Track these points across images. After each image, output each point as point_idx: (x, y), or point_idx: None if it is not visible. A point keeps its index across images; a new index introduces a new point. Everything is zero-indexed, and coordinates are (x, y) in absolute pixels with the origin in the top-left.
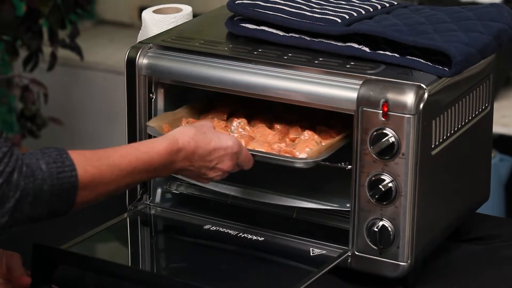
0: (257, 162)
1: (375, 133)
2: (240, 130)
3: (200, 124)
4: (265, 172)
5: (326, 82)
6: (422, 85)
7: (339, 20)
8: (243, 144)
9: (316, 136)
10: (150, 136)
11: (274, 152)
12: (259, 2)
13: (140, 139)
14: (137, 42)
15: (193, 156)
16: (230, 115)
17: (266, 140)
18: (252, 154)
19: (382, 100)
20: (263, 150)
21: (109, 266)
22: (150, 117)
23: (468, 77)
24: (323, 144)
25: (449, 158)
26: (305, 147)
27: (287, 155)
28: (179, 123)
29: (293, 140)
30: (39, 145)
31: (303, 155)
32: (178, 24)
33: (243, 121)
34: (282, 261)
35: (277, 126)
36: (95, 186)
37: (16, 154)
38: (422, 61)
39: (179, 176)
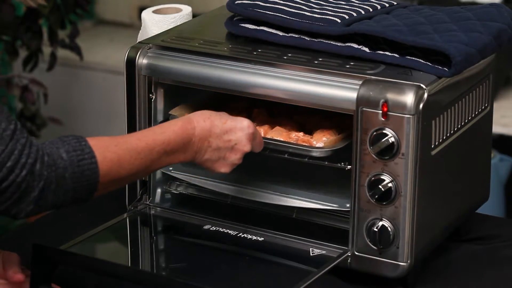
0: (262, 156)
1: (374, 133)
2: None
3: (216, 112)
4: (265, 172)
5: (326, 82)
6: (422, 85)
7: (339, 20)
8: (263, 133)
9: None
10: None
11: (291, 141)
12: (259, 2)
13: None
14: (137, 42)
15: (209, 135)
16: (251, 105)
17: (284, 130)
18: (270, 142)
19: (382, 100)
20: (281, 139)
21: (109, 266)
22: (149, 117)
23: (468, 77)
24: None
25: (449, 158)
26: (322, 136)
27: (304, 144)
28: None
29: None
30: None
31: (320, 144)
32: (178, 24)
33: (263, 111)
34: (281, 261)
35: (297, 118)
36: (115, 171)
37: (36, 144)
38: (422, 61)
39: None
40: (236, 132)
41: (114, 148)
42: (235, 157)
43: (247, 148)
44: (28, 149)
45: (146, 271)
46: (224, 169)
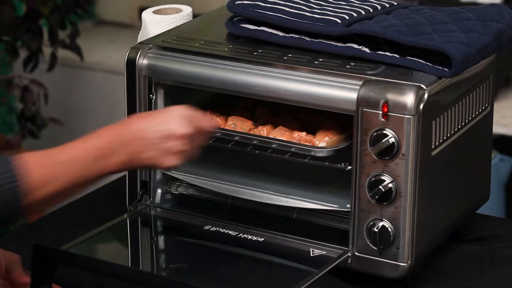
0: (263, 156)
1: (375, 133)
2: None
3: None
4: (266, 172)
5: (326, 82)
6: (422, 85)
7: (339, 21)
8: (265, 132)
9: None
10: None
11: (294, 141)
12: (259, 3)
13: None
14: (137, 42)
15: (142, 131)
16: (255, 105)
17: (287, 130)
18: (271, 141)
19: (382, 101)
20: (284, 139)
21: (109, 267)
22: None
23: (468, 78)
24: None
25: (449, 159)
26: (325, 136)
27: (306, 143)
28: (204, 113)
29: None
30: (39, 145)
31: (322, 144)
32: (178, 24)
33: (266, 111)
34: (282, 262)
35: (300, 117)
36: (47, 186)
37: None
38: (422, 61)
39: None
40: (168, 119)
41: (43, 163)
42: (175, 144)
43: (183, 130)
44: None
45: (146, 271)
46: (170, 161)
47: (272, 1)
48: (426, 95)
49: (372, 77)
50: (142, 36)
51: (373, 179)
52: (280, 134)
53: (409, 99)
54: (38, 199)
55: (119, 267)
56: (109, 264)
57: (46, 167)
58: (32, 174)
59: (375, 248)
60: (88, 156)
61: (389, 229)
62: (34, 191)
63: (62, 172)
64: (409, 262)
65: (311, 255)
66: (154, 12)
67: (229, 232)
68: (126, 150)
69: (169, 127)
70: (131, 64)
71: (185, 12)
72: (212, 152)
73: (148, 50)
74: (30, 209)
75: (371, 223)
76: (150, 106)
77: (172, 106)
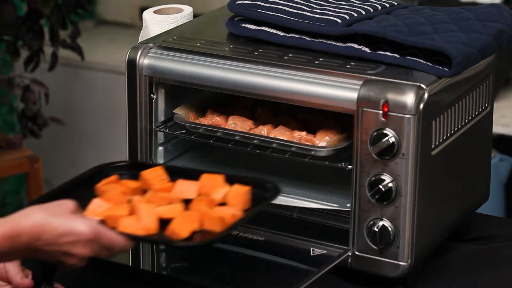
0: (264, 156)
1: (375, 133)
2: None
3: (55, 204)
4: (266, 172)
5: (327, 82)
6: (422, 85)
7: (340, 21)
8: (266, 132)
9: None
10: (151, 135)
11: (294, 140)
12: (260, 3)
13: (141, 139)
14: (138, 42)
15: (38, 241)
16: (255, 104)
17: (288, 129)
18: (272, 140)
19: (382, 101)
20: (284, 138)
21: (109, 266)
22: (150, 118)
23: (468, 78)
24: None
25: (449, 158)
26: (325, 135)
27: (307, 143)
28: (205, 112)
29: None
30: (40, 145)
31: (322, 144)
32: (179, 24)
33: (266, 110)
34: (282, 261)
35: (301, 117)
36: None
37: None
38: (422, 61)
39: None
40: (69, 237)
41: None
42: (72, 261)
43: (83, 253)
44: None
45: (146, 270)
46: (66, 267)
47: (272, 1)
48: (426, 95)
49: (372, 77)
50: (143, 36)
51: (373, 178)
52: (281, 134)
53: (409, 99)
54: None
55: (119, 266)
56: (110, 263)
57: None
58: None
59: (375, 247)
60: None
61: (389, 229)
62: None
63: None
64: (409, 261)
65: (312, 254)
66: (155, 12)
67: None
68: (16, 255)
69: (70, 246)
70: (132, 64)
71: (186, 12)
72: (213, 151)
73: (149, 50)
74: None
75: (371, 222)
76: (151, 106)
77: (78, 221)
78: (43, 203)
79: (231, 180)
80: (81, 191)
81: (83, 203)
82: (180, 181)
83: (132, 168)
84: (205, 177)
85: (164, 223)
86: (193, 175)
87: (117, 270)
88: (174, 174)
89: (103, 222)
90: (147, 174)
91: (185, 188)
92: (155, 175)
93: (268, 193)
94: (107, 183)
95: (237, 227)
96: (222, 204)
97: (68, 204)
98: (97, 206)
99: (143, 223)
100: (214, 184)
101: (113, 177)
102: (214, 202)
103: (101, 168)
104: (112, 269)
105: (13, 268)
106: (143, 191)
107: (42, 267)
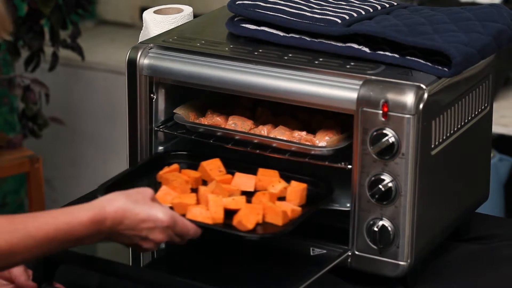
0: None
1: (375, 133)
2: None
3: (136, 191)
4: None
5: (326, 82)
6: (422, 85)
7: (339, 21)
8: (266, 132)
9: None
10: (151, 135)
11: (294, 140)
12: (260, 3)
13: (141, 139)
14: (138, 42)
15: (120, 226)
16: (255, 104)
17: (287, 129)
18: (272, 140)
19: (382, 100)
20: (284, 138)
21: (110, 265)
22: (151, 117)
23: (468, 78)
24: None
25: (448, 158)
26: (325, 135)
27: (307, 143)
28: (205, 112)
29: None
30: (41, 145)
31: (322, 144)
32: (179, 24)
33: (266, 110)
34: (282, 261)
35: (301, 117)
36: (5, 259)
37: None
38: (422, 61)
39: None
40: (149, 223)
41: (7, 236)
42: (148, 246)
43: (159, 239)
44: None
45: (147, 270)
46: (139, 251)
47: (272, 1)
48: (426, 95)
49: (372, 77)
50: (143, 36)
51: (373, 178)
52: (281, 134)
53: (409, 98)
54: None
55: (120, 265)
56: (110, 262)
57: (9, 242)
58: None
59: (375, 247)
60: (59, 237)
61: (389, 228)
62: None
63: (24, 249)
64: (408, 261)
65: (311, 254)
66: (155, 12)
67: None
68: (98, 237)
69: (148, 231)
70: (132, 63)
71: (186, 12)
72: (213, 151)
73: (149, 50)
74: None
75: (371, 222)
76: (151, 106)
77: (157, 208)
78: (110, 189)
79: (284, 176)
80: (142, 178)
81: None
82: (238, 174)
83: (188, 158)
84: (261, 172)
85: (228, 214)
86: (246, 168)
87: (117, 270)
88: (228, 166)
89: (172, 209)
90: (206, 164)
91: (244, 181)
92: (213, 166)
93: (322, 191)
94: (169, 172)
95: (301, 221)
96: (280, 198)
97: (147, 191)
98: (165, 193)
99: (211, 212)
100: (270, 179)
101: (174, 166)
102: (275, 196)
103: (159, 156)
104: (112, 269)
105: (17, 268)
106: (203, 181)
107: (42, 267)
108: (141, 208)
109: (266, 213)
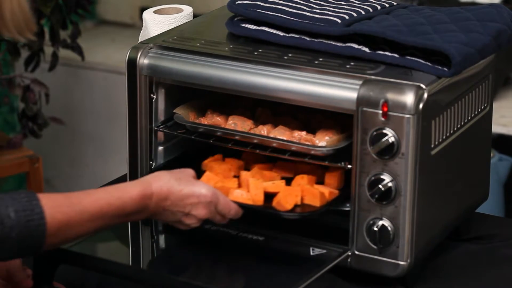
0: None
1: (375, 133)
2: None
3: (179, 170)
4: None
5: (326, 82)
6: (422, 85)
7: (339, 21)
8: (266, 131)
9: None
10: (151, 135)
11: (294, 140)
12: (259, 3)
13: (141, 139)
14: (138, 42)
15: (166, 201)
16: (255, 104)
17: (287, 129)
18: (271, 140)
19: (382, 100)
20: (284, 138)
21: (110, 265)
22: (151, 117)
23: (468, 77)
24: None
25: (448, 158)
26: (325, 135)
27: (307, 143)
28: (205, 112)
29: (314, 130)
30: (40, 145)
31: (322, 143)
32: (179, 24)
33: (266, 110)
34: (282, 261)
35: (300, 117)
36: (64, 233)
37: None
38: (422, 61)
39: None
40: (192, 198)
41: (65, 209)
42: (191, 222)
43: (202, 215)
44: None
45: (147, 270)
46: (182, 228)
47: (272, 1)
48: (425, 95)
49: (372, 77)
50: (143, 36)
51: (373, 178)
52: (280, 134)
53: (408, 98)
54: (55, 242)
55: (120, 265)
56: (110, 262)
57: (67, 214)
58: (54, 217)
59: (375, 247)
60: (109, 213)
61: (389, 228)
62: (54, 234)
63: (81, 222)
64: (408, 261)
65: (311, 254)
66: (155, 12)
67: (230, 231)
68: (145, 212)
69: (192, 207)
70: (132, 63)
71: (186, 12)
72: (213, 151)
73: (149, 50)
74: (47, 247)
75: (371, 222)
76: (151, 106)
77: (200, 184)
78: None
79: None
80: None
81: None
82: (279, 162)
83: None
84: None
85: (268, 197)
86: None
87: (117, 270)
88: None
89: None
90: (248, 153)
91: (284, 167)
92: (256, 155)
93: None
94: (213, 160)
95: (337, 202)
96: (319, 183)
97: (189, 171)
98: (208, 178)
99: (251, 194)
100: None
101: (218, 156)
102: (313, 179)
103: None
104: (112, 269)
105: (14, 266)
106: (245, 169)
107: (42, 267)
108: (185, 185)
109: (305, 195)
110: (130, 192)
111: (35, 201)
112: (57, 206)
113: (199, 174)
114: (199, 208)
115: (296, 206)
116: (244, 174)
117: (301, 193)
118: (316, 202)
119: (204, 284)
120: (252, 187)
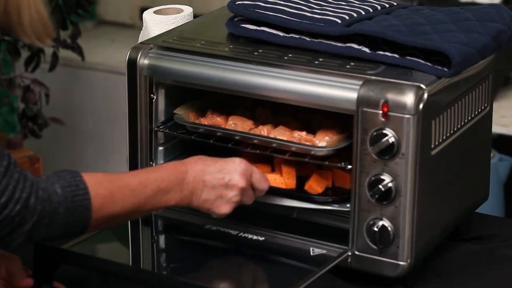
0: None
1: (375, 133)
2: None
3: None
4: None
5: (326, 82)
6: (422, 85)
7: (339, 21)
8: (266, 132)
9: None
10: (151, 135)
11: (294, 140)
12: (259, 3)
13: (141, 139)
14: (138, 42)
15: (203, 174)
16: (255, 104)
17: (287, 129)
18: (272, 140)
19: (382, 101)
20: (284, 138)
21: (110, 266)
22: (151, 118)
23: (468, 78)
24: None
25: (448, 158)
26: (325, 135)
27: (307, 143)
28: (205, 112)
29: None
30: (41, 145)
31: (322, 144)
32: (179, 24)
33: (266, 110)
34: (282, 261)
35: (300, 117)
36: (108, 208)
37: (30, 178)
38: (422, 61)
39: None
40: (228, 166)
41: (107, 185)
42: (231, 194)
43: (241, 183)
44: (22, 183)
45: (147, 270)
46: (224, 209)
47: (272, 1)
48: (425, 95)
49: (372, 77)
50: (143, 36)
51: (373, 178)
52: (281, 134)
53: (409, 99)
54: (100, 219)
55: (120, 266)
56: (110, 263)
57: (109, 189)
58: (98, 192)
59: (375, 247)
60: (148, 187)
61: (389, 228)
62: (99, 209)
63: (123, 197)
64: (408, 261)
65: (311, 254)
66: (155, 12)
67: (230, 231)
68: (185, 188)
69: (230, 176)
70: (132, 64)
71: (186, 13)
72: (213, 151)
73: (149, 50)
74: (95, 225)
75: (371, 222)
76: (151, 106)
77: (232, 157)
78: None
79: None
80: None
81: None
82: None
83: None
84: None
85: (300, 182)
86: None
87: (117, 270)
88: None
89: None
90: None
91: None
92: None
93: None
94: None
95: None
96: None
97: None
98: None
99: (284, 179)
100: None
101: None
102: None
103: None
104: (112, 269)
105: (14, 266)
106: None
107: (42, 267)
108: (217, 159)
109: (336, 178)
110: (164, 166)
111: (78, 178)
112: (99, 182)
113: None
114: (237, 175)
115: (327, 189)
116: (278, 159)
117: (332, 176)
118: (347, 185)
119: (204, 284)
120: (284, 171)
